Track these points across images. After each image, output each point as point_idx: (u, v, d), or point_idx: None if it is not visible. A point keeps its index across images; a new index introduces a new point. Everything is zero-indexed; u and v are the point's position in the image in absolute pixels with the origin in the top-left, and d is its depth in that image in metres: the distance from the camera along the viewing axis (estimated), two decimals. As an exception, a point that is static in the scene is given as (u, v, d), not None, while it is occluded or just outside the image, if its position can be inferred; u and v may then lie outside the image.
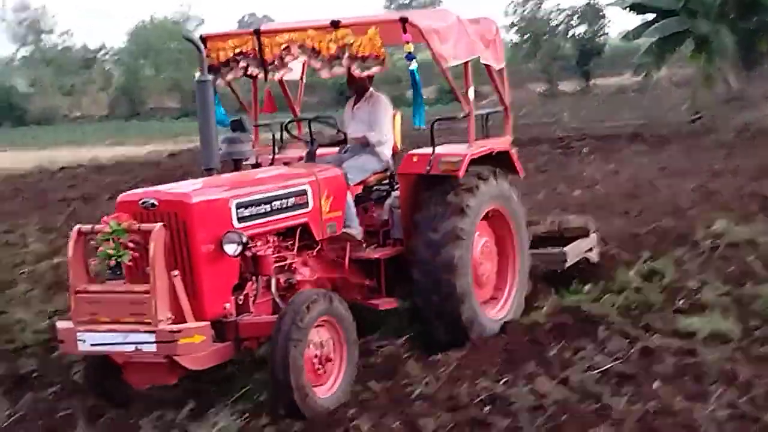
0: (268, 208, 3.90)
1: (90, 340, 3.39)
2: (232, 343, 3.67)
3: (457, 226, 4.28)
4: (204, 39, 4.55)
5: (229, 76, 4.60)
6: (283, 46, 4.38)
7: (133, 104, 41.39)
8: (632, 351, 4.23)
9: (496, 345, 4.49)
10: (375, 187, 4.90)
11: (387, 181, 4.89)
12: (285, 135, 5.03)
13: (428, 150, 4.47)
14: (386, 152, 4.84)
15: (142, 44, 44.38)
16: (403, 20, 4.16)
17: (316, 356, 3.54)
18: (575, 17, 35.62)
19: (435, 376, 4.02)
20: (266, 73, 4.53)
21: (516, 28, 36.46)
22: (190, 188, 3.85)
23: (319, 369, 3.59)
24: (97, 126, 36.10)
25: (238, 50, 4.53)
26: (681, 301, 5.14)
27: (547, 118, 22.51)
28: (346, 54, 4.20)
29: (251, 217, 3.79)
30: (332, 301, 3.66)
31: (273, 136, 4.99)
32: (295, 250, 4.16)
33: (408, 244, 4.51)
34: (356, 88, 4.94)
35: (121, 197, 3.79)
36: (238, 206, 3.72)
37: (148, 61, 43.67)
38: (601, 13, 34.66)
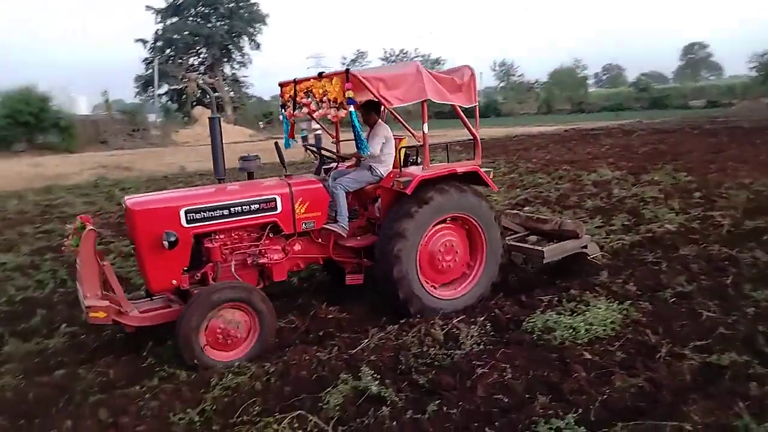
0: (225, 212, 5.12)
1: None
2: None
3: (403, 227, 5.33)
4: (281, 84, 6.20)
5: (287, 112, 6.03)
6: (303, 91, 5.63)
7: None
8: None
9: None
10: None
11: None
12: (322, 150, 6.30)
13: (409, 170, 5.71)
14: (380, 169, 5.90)
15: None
16: (347, 71, 5.06)
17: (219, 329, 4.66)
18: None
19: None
20: (294, 110, 5.88)
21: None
22: (148, 199, 5.19)
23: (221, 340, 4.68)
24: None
25: (288, 95, 6.00)
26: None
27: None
28: (325, 98, 5.26)
29: (203, 219, 5.03)
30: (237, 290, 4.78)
31: (320, 152, 6.21)
32: (263, 240, 5.42)
33: (378, 235, 5.68)
34: (368, 123, 6.06)
35: (124, 199, 5.24)
36: (188, 212, 4.95)
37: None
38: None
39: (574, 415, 3.55)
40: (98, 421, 3.76)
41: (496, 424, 3.59)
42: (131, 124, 41.82)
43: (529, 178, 14.22)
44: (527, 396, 3.90)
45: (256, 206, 5.24)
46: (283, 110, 6.11)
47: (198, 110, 48.49)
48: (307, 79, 5.55)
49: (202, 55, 58.45)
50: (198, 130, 44.30)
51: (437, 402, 3.82)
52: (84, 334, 5.50)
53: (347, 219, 5.69)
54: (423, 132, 5.54)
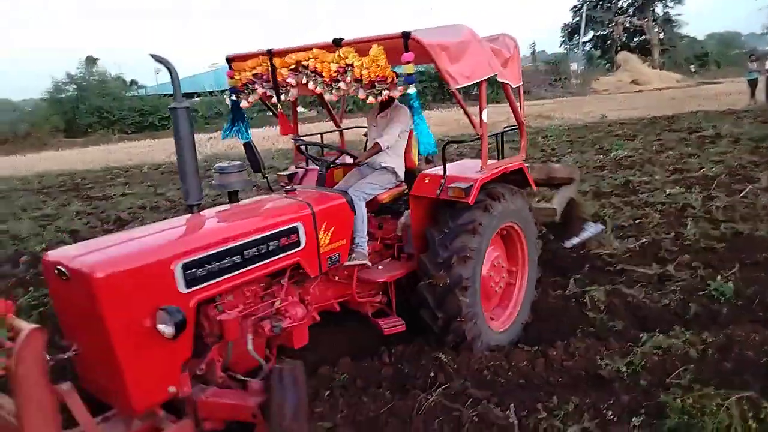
0: (238, 259, 3.14)
1: None
2: (189, 422, 2.90)
3: (467, 245, 3.98)
4: (229, 60, 4.24)
5: (250, 99, 4.19)
6: (291, 67, 3.86)
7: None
8: None
9: None
10: (389, 205, 4.59)
11: (403, 199, 4.67)
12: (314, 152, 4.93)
13: (440, 171, 4.13)
14: (400, 171, 4.60)
15: None
16: (406, 35, 3.41)
17: None
18: None
19: None
20: (278, 95, 4.02)
21: None
22: (110, 251, 2.76)
23: None
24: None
25: (254, 72, 4.08)
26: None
27: None
28: (349, 76, 3.57)
29: (210, 275, 2.98)
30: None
31: (305, 153, 4.80)
32: (283, 293, 3.56)
33: (419, 261, 4.16)
34: (384, 104, 4.61)
35: (45, 255, 2.85)
36: (187, 267, 2.86)
37: None
38: None
39: None
40: (523, 351, 4.14)
41: None
42: (553, 74, 43.31)
43: None
44: None
45: (274, 243, 3.38)
46: (237, 97, 4.25)
47: (622, 55, 46.56)
48: (304, 49, 3.76)
49: (632, -4, 55.04)
50: (619, 77, 43.02)
51: None
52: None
53: (366, 241, 4.16)
54: (483, 120, 4.03)
